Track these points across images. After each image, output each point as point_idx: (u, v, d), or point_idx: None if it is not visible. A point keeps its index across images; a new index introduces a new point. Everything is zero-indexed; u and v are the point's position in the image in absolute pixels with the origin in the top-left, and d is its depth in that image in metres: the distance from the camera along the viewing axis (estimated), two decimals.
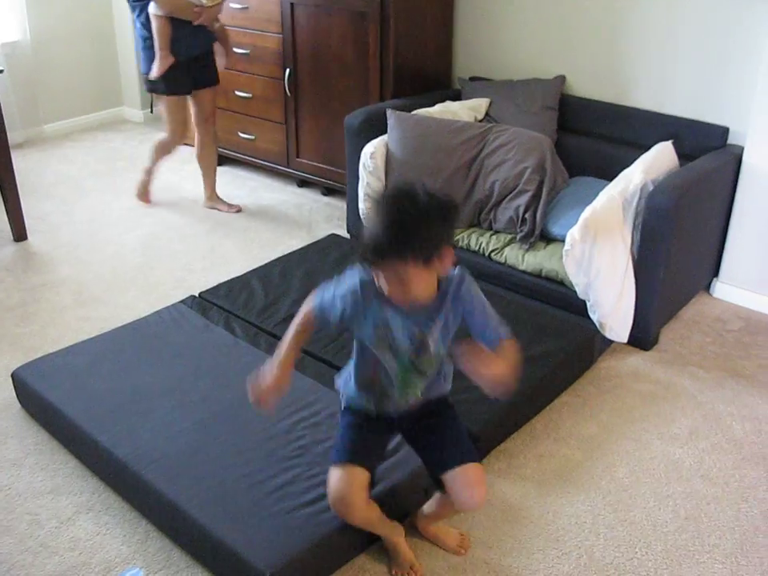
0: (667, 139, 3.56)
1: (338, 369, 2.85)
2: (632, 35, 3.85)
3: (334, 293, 2.01)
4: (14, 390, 2.96)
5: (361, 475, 2.09)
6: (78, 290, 3.81)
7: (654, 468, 2.67)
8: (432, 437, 2.17)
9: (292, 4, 4.47)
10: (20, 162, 5.09)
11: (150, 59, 4.22)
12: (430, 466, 2.19)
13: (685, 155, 3.52)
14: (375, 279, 1.88)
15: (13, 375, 2.94)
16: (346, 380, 2.19)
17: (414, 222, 1.75)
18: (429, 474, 2.20)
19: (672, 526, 2.43)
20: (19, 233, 4.30)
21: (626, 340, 3.27)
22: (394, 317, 1.95)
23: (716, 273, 3.74)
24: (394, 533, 2.29)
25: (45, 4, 5.74)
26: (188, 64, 4.26)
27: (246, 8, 4.73)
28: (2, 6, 5.48)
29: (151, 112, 6.40)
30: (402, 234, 1.75)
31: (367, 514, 2.17)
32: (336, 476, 2.10)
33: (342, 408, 2.23)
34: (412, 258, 1.77)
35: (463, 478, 2.09)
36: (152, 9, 4.06)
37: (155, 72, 4.17)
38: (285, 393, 2.07)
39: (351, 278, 1.98)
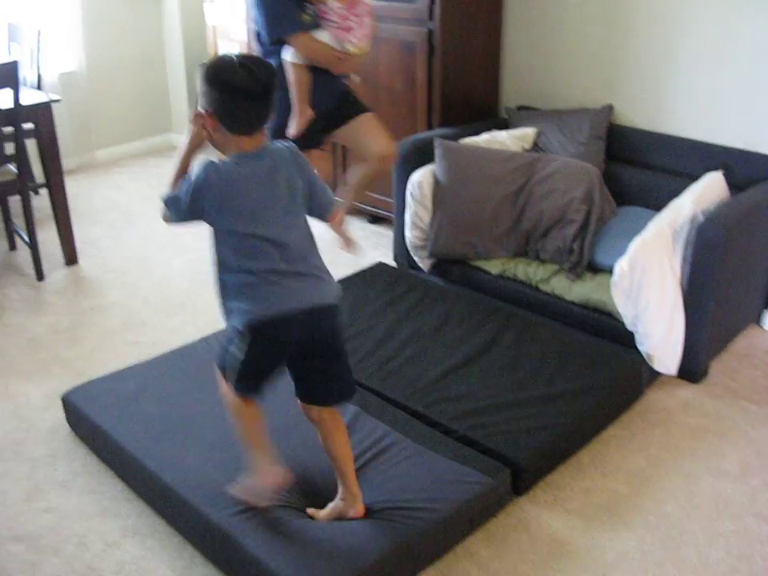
0: (717, 169, 3.53)
1: (381, 395, 2.86)
2: (681, 64, 3.83)
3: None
4: (63, 413, 3.00)
5: (259, 410, 2.29)
6: (126, 315, 3.86)
7: (704, 504, 2.62)
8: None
9: None
10: (72, 187, 5.18)
11: (283, 112, 3.46)
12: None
13: (735, 185, 3.49)
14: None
15: (63, 398, 2.98)
16: (231, 307, 2.21)
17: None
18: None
19: (724, 565, 2.38)
20: (70, 257, 4.38)
21: (674, 372, 3.23)
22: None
23: (767, 305, 3.68)
24: (266, 459, 2.29)
25: (100, 35, 5.86)
26: (322, 116, 3.59)
27: None
28: (61, 38, 5.61)
29: None
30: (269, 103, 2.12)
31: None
32: (238, 404, 2.26)
33: (241, 331, 2.17)
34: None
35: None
36: (288, 56, 3.42)
37: (293, 130, 3.46)
38: None
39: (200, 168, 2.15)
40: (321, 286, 2.23)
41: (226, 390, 2.27)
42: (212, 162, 2.13)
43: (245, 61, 2.08)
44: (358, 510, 2.35)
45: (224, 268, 2.21)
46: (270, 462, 2.30)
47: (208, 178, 2.12)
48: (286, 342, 2.20)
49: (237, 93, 2.08)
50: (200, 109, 2.15)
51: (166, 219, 2.34)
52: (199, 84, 2.13)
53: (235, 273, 2.17)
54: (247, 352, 2.15)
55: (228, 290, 2.21)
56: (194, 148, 2.24)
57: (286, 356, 2.25)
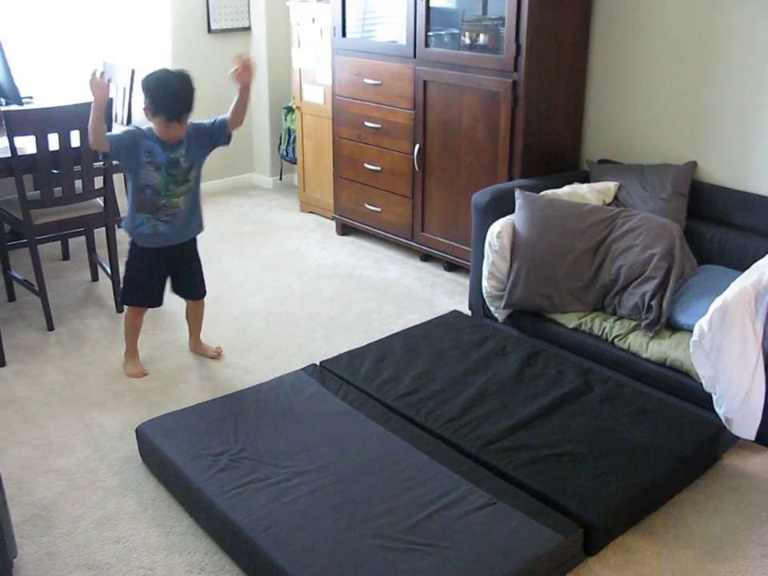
0: None
1: (454, 445, 2.84)
2: (767, 120, 3.78)
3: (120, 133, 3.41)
4: (136, 444, 3.05)
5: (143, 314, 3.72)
6: None
7: None
8: (186, 271, 3.69)
9: (425, 81, 4.57)
10: None
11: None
12: (178, 290, 3.73)
13: None
14: (153, 128, 3.33)
15: (137, 430, 3.02)
16: (129, 217, 3.49)
17: (190, 94, 3.35)
18: (173, 290, 3.70)
19: None
20: None
21: (753, 437, 3.14)
22: (156, 146, 3.34)
23: None
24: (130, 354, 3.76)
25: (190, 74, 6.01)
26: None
27: (380, 84, 4.86)
28: None
29: (280, 179, 6.60)
30: (187, 102, 3.34)
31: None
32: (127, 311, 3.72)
33: (130, 243, 3.56)
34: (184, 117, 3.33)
35: (195, 310, 3.83)
36: None
37: None
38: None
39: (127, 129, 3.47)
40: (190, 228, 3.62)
41: None
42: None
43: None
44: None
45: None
46: (132, 357, 3.72)
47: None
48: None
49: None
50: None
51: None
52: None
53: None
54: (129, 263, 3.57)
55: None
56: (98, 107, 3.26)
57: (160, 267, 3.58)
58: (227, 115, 3.49)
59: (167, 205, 3.45)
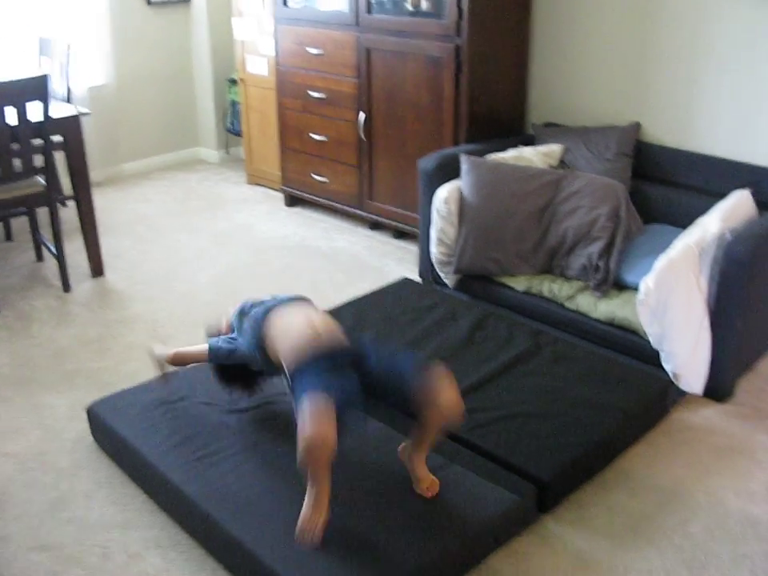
0: (745, 187, 3.51)
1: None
2: (709, 82, 3.82)
3: None
4: (88, 424, 3.01)
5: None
6: (152, 327, 3.88)
7: (729, 525, 2.59)
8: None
9: (368, 49, 4.54)
10: (99, 199, 5.23)
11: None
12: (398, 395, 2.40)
13: (763, 204, 3.46)
14: None
15: (88, 410, 2.99)
16: None
17: None
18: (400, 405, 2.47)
19: None
20: (97, 269, 4.41)
21: (700, 392, 3.20)
22: None
23: None
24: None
25: (130, 49, 5.94)
26: None
27: (323, 53, 4.82)
28: (91, 52, 5.68)
29: (227, 153, 6.54)
30: None
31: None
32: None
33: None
34: None
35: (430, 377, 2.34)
36: None
37: None
38: None
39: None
40: None
41: None
42: None
43: None
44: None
45: None
46: None
47: None
48: None
49: None
50: None
51: None
52: None
53: None
54: None
55: None
56: None
57: None
58: None
59: None
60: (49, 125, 3.94)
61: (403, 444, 2.51)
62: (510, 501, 2.44)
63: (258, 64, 5.54)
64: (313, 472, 2.24)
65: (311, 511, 2.27)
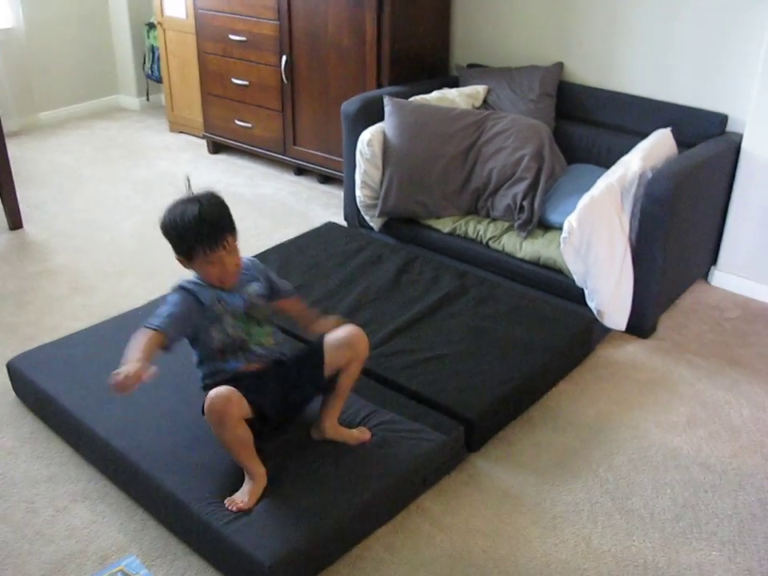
0: (666, 127, 3.55)
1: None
2: (631, 22, 3.83)
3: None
4: (9, 380, 2.95)
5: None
6: (74, 279, 3.80)
7: (651, 456, 2.66)
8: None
9: None
10: (15, 150, 5.08)
11: None
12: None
13: (683, 143, 3.51)
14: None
15: (8, 365, 2.92)
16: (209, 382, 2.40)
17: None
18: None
19: (670, 513, 2.43)
20: (14, 221, 4.28)
21: (623, 328, 3.26)
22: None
23: (714, 261, 3.73)
24: (258, 472, 2.28)
25: None
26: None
27: None
28: None
29: (147, 100, 6.38)
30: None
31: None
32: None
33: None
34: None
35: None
36: None
37: None
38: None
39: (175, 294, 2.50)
40: None
41: None
42: None
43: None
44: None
45: None
46: None
47: None
48: None
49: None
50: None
51: None
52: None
53: None
54: None
55: None
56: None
57: None
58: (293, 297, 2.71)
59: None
60: None
61: (311, 427, 2.48)
62: (439, 440, 2.47)
63: (176, 7, 5.39)
64: (219, 435, 2.22)
65: (245, 496, 2.24)
